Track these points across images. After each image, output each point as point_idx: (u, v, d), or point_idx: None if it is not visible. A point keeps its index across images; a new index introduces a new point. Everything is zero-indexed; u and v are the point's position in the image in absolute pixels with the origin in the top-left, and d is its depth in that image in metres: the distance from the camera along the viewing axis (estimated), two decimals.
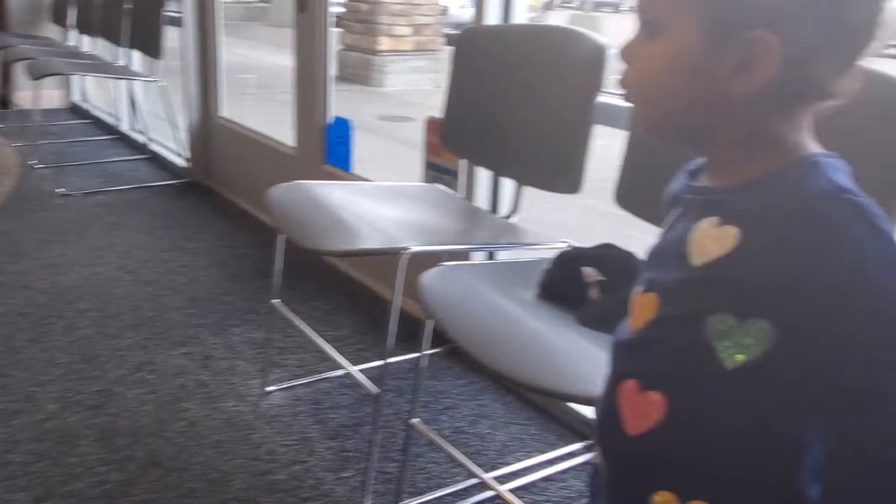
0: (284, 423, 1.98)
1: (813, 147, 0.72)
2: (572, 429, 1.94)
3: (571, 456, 1.86)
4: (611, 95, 1.67)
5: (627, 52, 0.77)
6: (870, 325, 0.65)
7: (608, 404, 0.79)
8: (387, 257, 1.58)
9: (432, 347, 2.06)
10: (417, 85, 7.59)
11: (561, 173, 1.71)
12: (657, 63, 0.74)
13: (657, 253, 0.81)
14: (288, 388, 2.14)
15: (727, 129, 0.74)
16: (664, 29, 0.72)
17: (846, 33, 0.68)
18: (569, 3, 17.66)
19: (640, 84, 0.76)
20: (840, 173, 0.69)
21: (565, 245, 1.61)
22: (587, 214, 3.55)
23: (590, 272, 1.40)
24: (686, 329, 0.71)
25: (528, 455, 1.87)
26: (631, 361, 0.78)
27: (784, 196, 0.69)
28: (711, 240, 0.71)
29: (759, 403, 0.68)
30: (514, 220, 1.90)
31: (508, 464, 1.83)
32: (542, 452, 1.87)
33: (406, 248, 1.56)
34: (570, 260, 1.45)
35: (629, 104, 0.79)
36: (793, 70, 0.68)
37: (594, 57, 1.67)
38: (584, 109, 1.67)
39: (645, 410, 0.74)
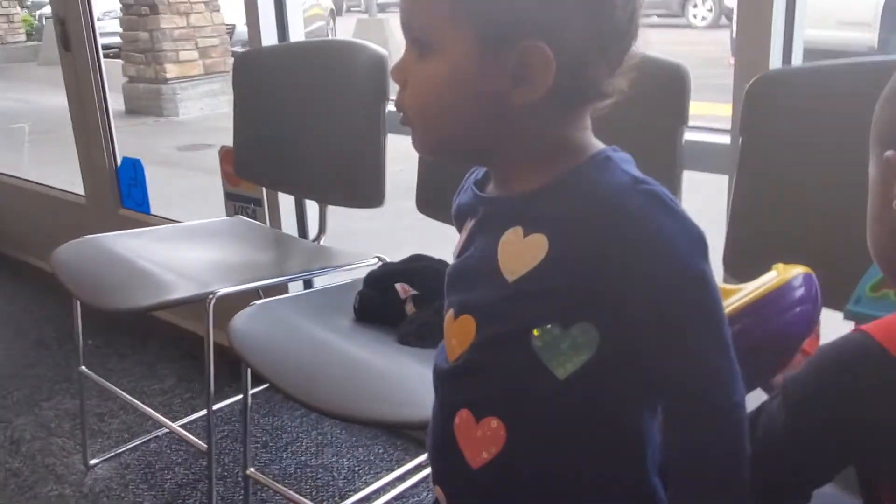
0: (115, 496, 1.83)
1: (598, 144, 0.73)
2: (417, 441, 1.93)
3: (420, 468, 1.84)
4: None
5: (400, 74, 0.74)
6: (686, 304, 0.67)
7: (444, 440, 0.76)
8: (200, 303, 1.50)
9: (260, 384, 1.99)
10: (215, 109, 7.33)
11: (361, 188, 1.68)
12: (434, 83, 0.71)
13: (461, 273, 0.77)
14: (113, 456, 1.99)
15: (515, 142, 0.72)
16: (437, 48, 0.70)
17: (611, 34, 0.70)
18: (357, 6, 17.71)
19: (419, 106, 0.73)
20: (630, 165, 0.71)
21: (376, 261, 1.59)
22: (401, 218, 3.55)
23: (402, 288, 1.38)
24: (512, 348, 0.71)
25: (378, 476, 1.83)
26: (460, 391, 0.75)
27: (584, 195, 0.69)
28: (520, 252, 0.71)
29: (596, 405, 0.70)
30: (323, 242, 1.85)
31: (359, 489, 1.79)
32: (391, 471, 1.84)
33: (213, 293, 1.49)
34: (381, 278, 1.43)
35: (409, 126, 0.75)
36: (568, 75, 0.68)
37: (376, 67, 1.66)
38: (373, 121, 1.65)
39: (485, 439, 0.72)
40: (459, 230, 0.82)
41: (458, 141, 0.74)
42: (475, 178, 0.80)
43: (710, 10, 11.57)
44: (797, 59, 1.29)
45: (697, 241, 0.67)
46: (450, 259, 0.82)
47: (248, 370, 1.39)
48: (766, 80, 1.16)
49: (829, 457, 0.65)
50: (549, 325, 0.69)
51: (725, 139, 1.32)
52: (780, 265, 0.83)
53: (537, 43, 0.67)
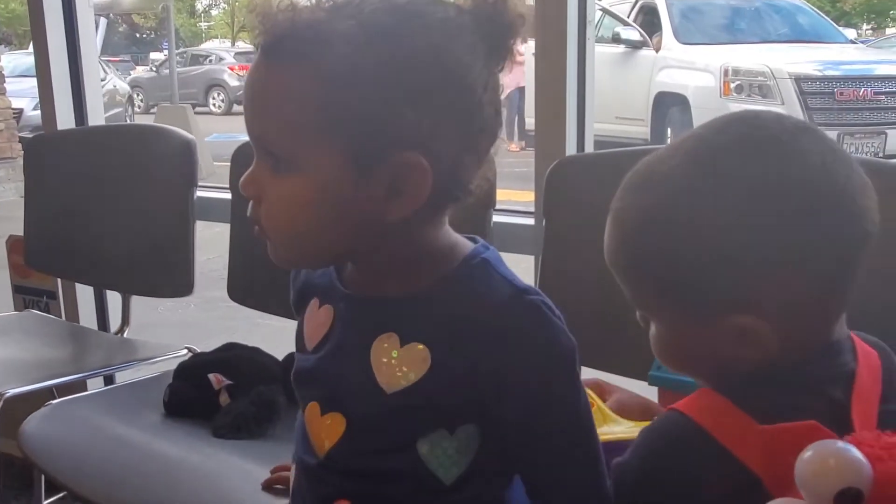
0: None
1: (463, 243, 0.72)
2: None
3: None
4: (206, 189, 1.62)
5: (253, 189, 0.68)
6: (557, 413, 0.69)
7: None
8: None
9: (56, 493, 1.82)
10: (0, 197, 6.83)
11: (167, 277, 1.61)
12: (297, 201, 0.66)
13: (324, 371, 0.73)
14: None
15: (383, 249, 0.70)
16: (300, 165, 0.65)
17: (478, 132, 0.68)
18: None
19: (278, 222, 0.68)
20: (503, 266, 0.71)
21: (186, 353, 1.52)
22: (211, 308, 3.43)
23: (216, 378, 1.33)
24: (396, 456, 0.70)
25: None
26: (336, 484, 0.73)
27: (465, 305, 0.68)
28: (400, 363, 0.68)
29: (478, 498, 0.71)
30: (127, 334, 1.75)
31: None
32: None
33: (1, 394, 1.36)
34: (193, 369, 1.37)
35: (264, 239, 0.70)
36: (444, 180, 0.66)
37: (183, 152, 1.62)
38: (182, 207, 1.60)
39: None
40: (300, 308, 0.79)
41: (323, 254, 0.71)
42: None
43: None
44: (590, 148, 1.40)
45: (571, 354, 0.68)
46: (265, 346, 0.80)
47: (42, 478, 1.27)
48: (564, 165, 1.25)
49: None
50: (436, 432, 0.69)
51: (530, 221, 1.40)
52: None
53: (413, 154, 0.64)
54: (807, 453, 0.54)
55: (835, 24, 7.85)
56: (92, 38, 2.01)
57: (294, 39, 0.64)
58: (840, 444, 0.55)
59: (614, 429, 0.87)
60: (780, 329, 0.63)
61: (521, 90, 7.91)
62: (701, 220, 0.63)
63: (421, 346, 0.68)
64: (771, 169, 0.62)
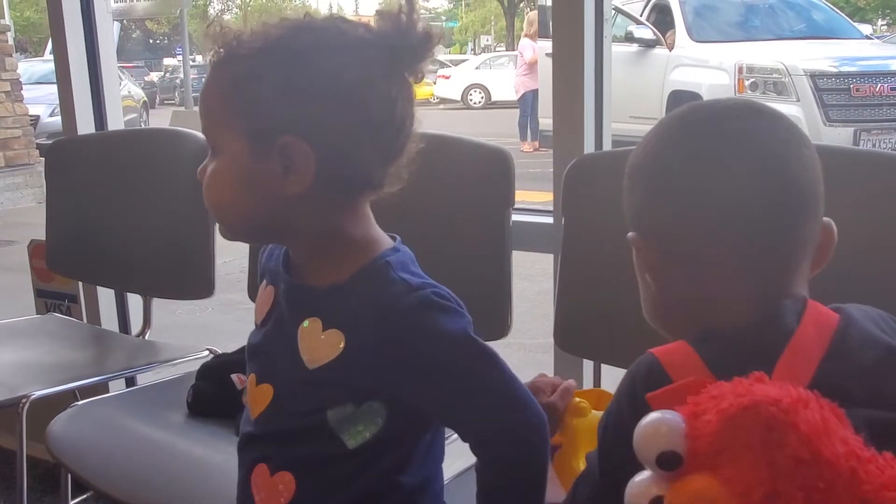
0: None
1: (381, 241, 0.85)
2: None
3: None
4: None
5: (200, 173, 0.84)
6: (463, 369, 0.81)
7: (244, 495, 0.88)
8: (11, 408, 1.38)
9: (82, 494, 1.83)
10: (17, 203, 6.86)
11: (188, 279, 1.63)
12: (219, 179, 0.81)
13: (262, 347, 0.88)
14: None
15: (299, 229, 0.83)
16: (220, 148, 0.81)
17: (374, 129, 0.80)
18: (171, 99, 17.40)
19: (212, 201, 0.83)
20: (407, 265, 0.84)
21: (207, 354, 1.53)
22: (229, 311, 3.45)
23: (238, 378, 1.33)
24: (308, 420, 0.82)
25: None
26: (259, 448, 0.87)
27: (369, 299, 0.81)
28: (320, 344, 0.82)
29: (379, 467, 0.84)
30: (148, 336, 1.76)
31: None
32: None
33: (26, 397, 1.37)
34: (216, 370, 1.38)
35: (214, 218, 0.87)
36: (332, 166, 0.79)
37: (203, 154, 1.62)
38: (200, 209, 1.59)
39: (276, 490, 0.84)
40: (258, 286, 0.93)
41: (249, 226, 0.85)
42: (283, 249, 0.90)
43: None
44: (608, 146, 1.41)
45: (459, 334, 0.81)
46: None
47: (69, 478, 1.28)
48: (583, 163, 1.25)
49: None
50: (344, 405, 0.82)
51: (549, 219, 1.40)
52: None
53: (293, 138, 0.78)
54: (639, 424, 0.59)
55: (850, 20, 7.78)
56: (111, 43, 2.03)
57: (224, 52, 0.81)
58: (661, 412, 0.59)
59: None
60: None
61: (534, 93, 7.93)
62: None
63: (338, 332, 0.81)
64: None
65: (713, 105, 0.78)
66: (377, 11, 0.82)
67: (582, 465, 0.90)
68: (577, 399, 0.94)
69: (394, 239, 0.87)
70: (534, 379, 0.95)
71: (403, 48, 0.80)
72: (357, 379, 0.81)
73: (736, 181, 0.71)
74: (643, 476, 0.59)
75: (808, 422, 0.54)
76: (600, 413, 0.95)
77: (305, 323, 0.83)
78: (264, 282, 0.91)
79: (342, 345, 0.81)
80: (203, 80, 0.88)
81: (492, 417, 0.82)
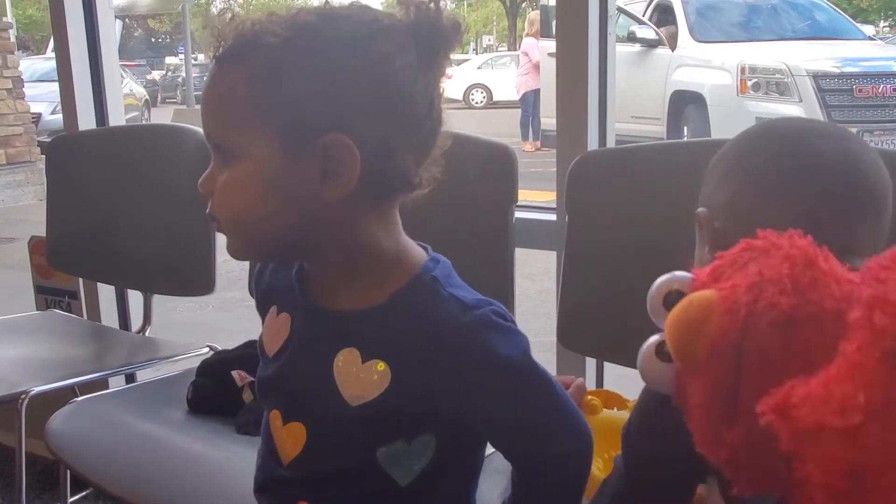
0: None
1: (416, 252, 0.76)
2: None
3: None
4: None
5: (208, 185, 0.73)
6: (523, 398, 0.74)
7: None
8: (10, 404, 1.37)
9: (81, 491, 1.83)
10: (18, 201, 6.86)
11: (189, 276, 1.62)
12: (242, 188, 0.71)
13: (285, 380, 0.78)
14: None
15: (331, 242, 0.74)
16: (241, 153, 0.70)
17: (411, 123, 0.72)
18: (172, 98, 17.39)
19: (230, 214, 0.73)
20: (453, 278, 0.75)
21: (207, 351, 1.52)
22: (229, 309, 3.44)
23: (239, 375, 1.33)
24: (356, 460, 0.75)
25: None
26: (297, 489, 0.77)
27: (418, 324, 0.72)
28: (361, 378, 0.73)
29: (435, 495, 0.77)
30: (148, 333, 1.76)
31: None
32: None
33: (25, 392, 1.37)
34: (216, 366, 1.37)
35: (223, 233, 0.76)
36: (375, 165, 0.70)
37: (204, 151, 1.61)
38: (201, 206, 1.59)
39: None
40: (264, 309, 0.82)
41: (274, 242, 0.74)
42: (296, 268, 0.80)
43: None
44: (611, 143, 1.40)
45: (519, 358, 0.74)
46: None
47: (68, 475, 1.28)
48: (586, 161, 1.24)
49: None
50: (395, 443, 0.74)
51: (552, 217, 1.39)
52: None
53: (338, 135, 0.69)
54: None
55: (852, 21, 7.78)
56: (112, 40, 2.02)
57: (235, 45, 0.71)
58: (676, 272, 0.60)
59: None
60: None
61: (535, 92, 7.93)
62: None
63: (381, 365, 0.73)
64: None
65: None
66: (400, 0, 0.74)
67: (592, 466, 0.89)
68: (589, 396, 0.93)
69: (424, 248, 0.78)
70: None
71: (434, 36, 0.73)
72: (407, 412, 0.73)
73: (822, 169, 0.71)
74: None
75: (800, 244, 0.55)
76: (611, 411, 0.95)
77: (340, 356, 0.74)
78: (273, 308, 0.81)
79: (388, 376, 0.72)
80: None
81: (545, 444, 0.76)
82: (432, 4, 0.73)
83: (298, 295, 0.77)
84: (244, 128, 0.70)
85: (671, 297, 0.57)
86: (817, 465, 0.43)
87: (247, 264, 1.57)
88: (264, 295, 0.83)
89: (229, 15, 0.72)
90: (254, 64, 0.70)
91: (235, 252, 0.75)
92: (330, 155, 0.69)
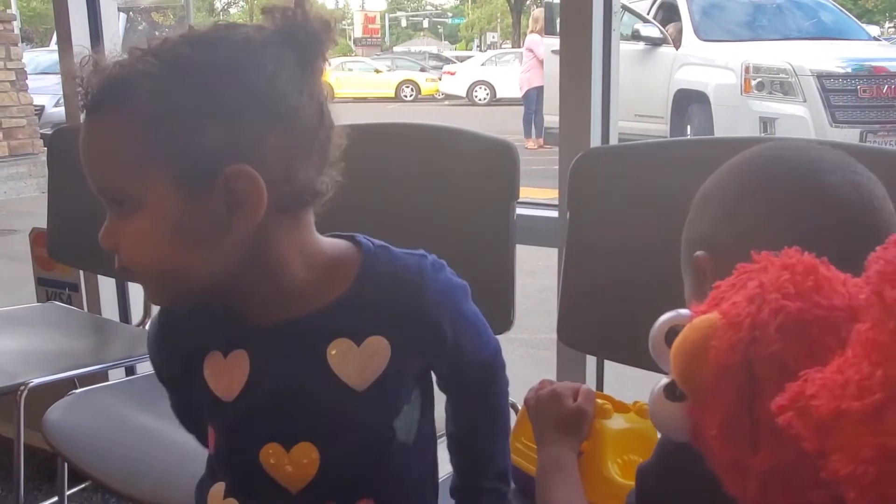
0: None
1: (341, 240, 0.78)
2: None
3: None
4: None
5: (110, 241, 0.70)
6: (472, 334, 0.83)
7: None
8: (9, 396, 1.37)
9: (80, 483, 1.83)
10: (20, 193, 6.87)
11: None
12: (148, 239, 0.68)
13: (269, 409, 0.76)
14: None
15: (256, 266, 0.72)
16: (138, 204, 0.68)
17: (306, 136, 0.71)
18: None
19: (138, 260, 0.70)
20: (390, 247, 0.79)
21: None
22: None
23: None
24: (378, 444, 0.77)
25: None
26: (325, 491, 0.77)
27: (392, 285, 0.76)
28: (361, 360, 0.74)
29: (425, 439, 0.83)
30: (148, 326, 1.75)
31: None
32: None
33: (24, 384, 1.36)
34: None
35: (140, 284, 0.76)
36: (281, 188, 0.69)
37: None
38: None
39: None
40: (185, 374, 0.79)
41: (197, 284, 0.72)
42: (212, 314, 0.77)
43: None
44: (614, 140, 1.39)
45: (455, 274, 0.81)
46: None
47: (66, 467, 1.27)
48: (589, 157, 1.23)
49: None
50: (401, 410, 0.77)
51: (553, 213, 1.39)
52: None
53: (238, 167, 0.67)
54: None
55: (858, 21, 7.75)
56: (115, 32, 2.02)
57: (106, 92, 0.68)
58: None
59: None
60: None
61: (538, 89, 7.92)
62: None
63: (379, 338, 0.75)
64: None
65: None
66: (265, 8, 0.72)
67: (609, 471, 0.88)
68: (600, 401, 0.93)
69: (350, 238, 0.80)
70: (553, 385, 0.93)
71: (308, 41, 0.71)
72: (409, 373, 0.77)
73: (817, 205, 0.66)
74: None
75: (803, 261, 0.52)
76: (624, 415, 0.93)
77: (332, 350, 0.74)
78: (214, 353, 0.77)
79: (388, 347, 0.75)
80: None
81: (482, 348, 0.84)
82: (298, 9, 0.71)
83: (247, 323, 0.75)
84: (136, 177, 0.67)
85: (673, 336, 0.54)
86: (842, 456, 0.41)
87: None
88: (184, 358, 0.79)
89: (90, 61, 0.69)
90: (133, 109, 0.67)
91: (159, 299, 0.75)
92: (232, 187, 0.67)
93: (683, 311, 0.56)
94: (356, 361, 0.74)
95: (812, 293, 0.49)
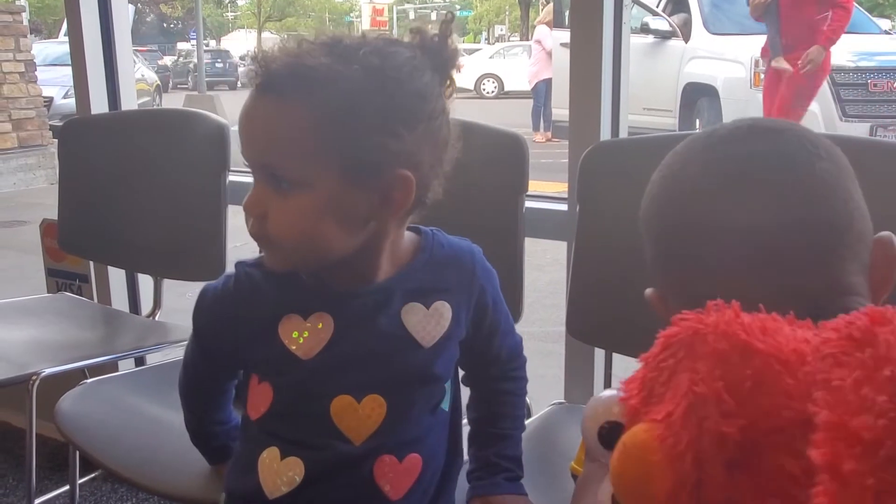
0: None
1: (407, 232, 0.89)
2: None
3: None
4: (239, 173, 1.63)
5: (258, 207, 0.77)
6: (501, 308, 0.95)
7: (362, 488, 0.84)
8: (20, 386, 1.38)
9: (90, 472, 1.84)
10: (30, 184, 6.89)
11: (199, 260, 1.62)
12: (307, 217, 0.76)
13: (343, 364, 0.82)
14: None
15: (371, 249, 0.81)
16: (303, 184, 0.75)
17: (443, 148, 0.81)
18: (184, 84, 17.40)
19: (291, 233, 0.77)
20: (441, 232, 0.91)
21: None
22: None
23: None
24: (432, 401, 0.88)
25: None
26: (382, 446, 0.84)
27: (451, 259, 0.88)
28: (429, 321, 0.85)
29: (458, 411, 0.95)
30: (158, 317, 1.76)
31: None
32: None
33: (36, 374, 1.37)
34: None
35: (266, 250, 0.81)
36: (421, 192, 0.79)
37: (217, 137, 1.62)
38: (214, 191, 1.60)
39: (406, 471, 0.85)
40: (270, 325, 0.83)
41: (325, 259, 0.80)
42: (294, 279, 0.83)
43: None
44: (624, 134, 1.39)
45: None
46: None
47: (77, 456, 1.28)
48: (599, 150, 1.24)
49: None
50: (450, 371, 0.89)
51: (562, 206, 1.39)
52: None
53: (403, 172, 0.76)
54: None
55: (869, 15, 7.70)
56: (126, 23, 2.02)
57: (298, 78, 0.74)
58: (604, 392, 0.56)
59: None
60: None
61: (547, 82, 7.89)
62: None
63: (443, 303, 0.86)
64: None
65: (707, 146, 0.71)
66: (413, 29, 0.81)
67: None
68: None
69: (414, 229, 0.91)
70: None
71: (446, 62, 0.80)
72: (461, 335, 0.88)
73: (746, 220, 0.62)
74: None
75: (730, 320, 0.47)
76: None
77: (406, 311, 0.84)
78: (292, 317, 0.83)
79: (450, 311, 0.86)
80: (245, 102, 0.78)
81: (510, 333, 0.96)
82: (440, 35, 0.80)
83: (331, 289, 0.83)
84: (309, 163, 0.74)
85: (606, 433, 0.52)
86: None
87: (256, 252, 1.57)
88: (260, 318, 0.84)
89: (275, 47, 0.76)
90: (322, 102, 0.73)
91: (280, 264, 0.81)
92: (392, 185, 0.76)
93: (608, 397, 0.54)
94: (426, 321, 0.84)
95: (754, 395, 0.44)
